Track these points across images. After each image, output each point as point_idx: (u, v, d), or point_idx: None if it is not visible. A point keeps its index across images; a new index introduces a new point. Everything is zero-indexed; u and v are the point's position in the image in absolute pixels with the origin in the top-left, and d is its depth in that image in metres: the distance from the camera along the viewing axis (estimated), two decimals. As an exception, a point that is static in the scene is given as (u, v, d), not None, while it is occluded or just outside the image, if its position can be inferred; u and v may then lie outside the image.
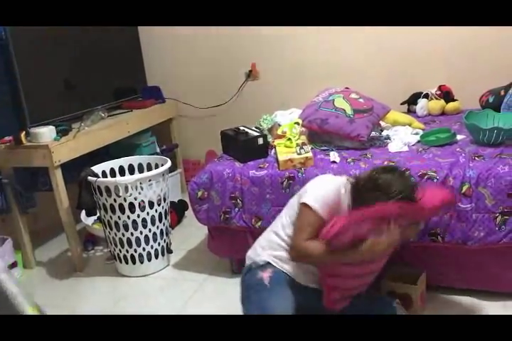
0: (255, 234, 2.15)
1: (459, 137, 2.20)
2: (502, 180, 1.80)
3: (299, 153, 2.12)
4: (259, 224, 2.11)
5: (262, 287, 1.64)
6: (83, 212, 2.60)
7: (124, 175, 2.55)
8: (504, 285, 1.90)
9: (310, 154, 2.12)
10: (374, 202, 1.51)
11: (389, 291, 1.90)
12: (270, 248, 1.71)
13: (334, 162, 2.09)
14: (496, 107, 2.31)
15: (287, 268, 1.69)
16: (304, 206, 1.62)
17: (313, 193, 1.64)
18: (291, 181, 2.06)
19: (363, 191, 1.58)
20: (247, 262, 1.76)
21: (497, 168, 1.84)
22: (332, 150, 2.24)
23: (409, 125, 2.42)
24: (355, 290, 1.68)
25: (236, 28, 2.99)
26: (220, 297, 2.14)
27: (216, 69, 3.28)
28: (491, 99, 2.41)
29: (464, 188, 1.83)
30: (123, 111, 2.96)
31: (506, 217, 1.80)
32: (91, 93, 2.82)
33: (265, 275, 1.66)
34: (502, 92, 2.36)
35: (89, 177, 2.30)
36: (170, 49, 3.32)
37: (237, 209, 2.14)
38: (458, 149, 2.07)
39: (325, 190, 1.64)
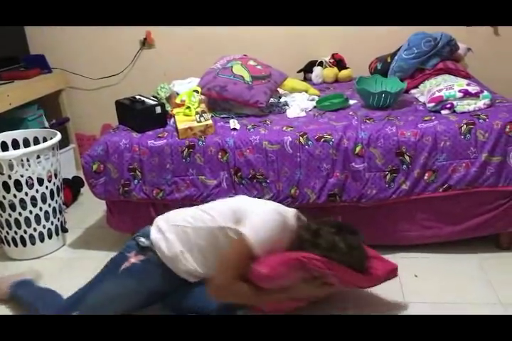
0: (157, 205, 2.10)
1: (351, 102, 2.30)
2: (390, 140, 1.91)
3: (199, 121, 2.07)
4: (160, 195, 2.05)
5: (116, 271, 1.61)
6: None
7: (7, 151, 2.31)
8: (393, 238, 2.04)
9: (210, 122, 2.08)
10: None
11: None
12: (178, 239, 1.62)
13: (234, 129, 2.07)
14: (384, 73, 2.43)
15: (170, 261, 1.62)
16: (241, 238, 1.45)
17: (255, 224, 1.47)
18: (191, 150, 2.01)
19: (313, 243, 1.53)
20: (140, 233, 1.69)
21: (385, 129, 1.94)
22: (232, 117, 2.22)
23: (306, 92, 2.48)
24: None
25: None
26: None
27: (108, 36, 3.07)
28: (379, 66, 2.53)
29: (357, 149, 1.92)
30: (3, 82, 2.69)
31: (394, 175, 1.92)
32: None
33: (132, 260, 1.62)
34: (388, 59, 2.48)
35: (-36, 154, 2.06)
36: (54, 14, 3.04)
37: (136, 181, 2.05)
38: (351, 113, 2.15)
39: (270, 224, 1.48)
